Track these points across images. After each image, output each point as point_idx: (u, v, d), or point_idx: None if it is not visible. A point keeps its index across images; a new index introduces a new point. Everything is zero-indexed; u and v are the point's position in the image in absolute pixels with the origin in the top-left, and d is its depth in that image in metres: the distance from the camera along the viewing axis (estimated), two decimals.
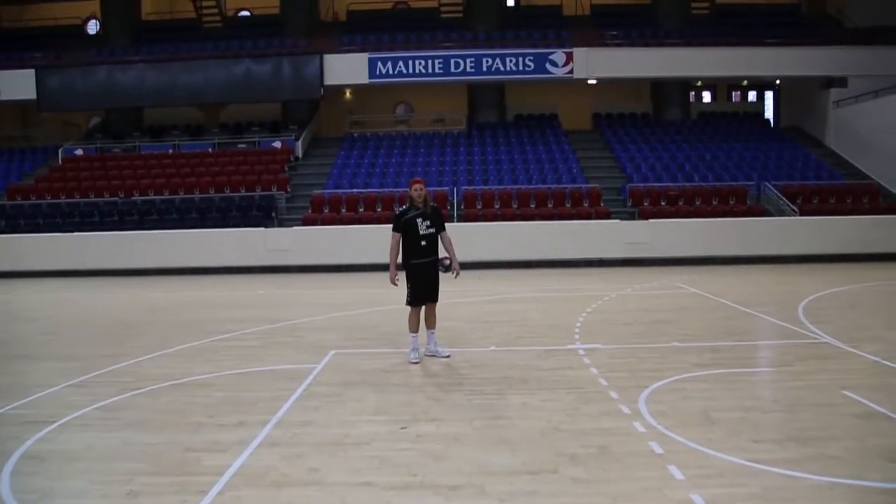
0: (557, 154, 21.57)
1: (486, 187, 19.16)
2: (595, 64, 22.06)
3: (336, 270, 16.95)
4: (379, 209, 18.46)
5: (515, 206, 18.28)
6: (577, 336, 8.18)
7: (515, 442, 4.73)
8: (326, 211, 18.60)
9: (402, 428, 5.04)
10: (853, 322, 9.00)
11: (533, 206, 18.27)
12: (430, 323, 7.23)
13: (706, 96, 30.36)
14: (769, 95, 30.30)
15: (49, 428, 5.17)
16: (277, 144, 22.94)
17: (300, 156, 22.73)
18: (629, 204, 18.70)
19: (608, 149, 22.65)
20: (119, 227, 18.48)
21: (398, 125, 26.46)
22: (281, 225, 18.74)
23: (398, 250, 7.04)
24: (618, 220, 17.40)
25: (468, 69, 22.18)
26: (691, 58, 22.21)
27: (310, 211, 18.74)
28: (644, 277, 14.20)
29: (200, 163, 21.89)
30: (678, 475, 4.12)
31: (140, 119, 25.94)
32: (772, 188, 18.71)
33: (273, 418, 5.28)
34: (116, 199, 20.21)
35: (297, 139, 22.96)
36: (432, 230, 6.98)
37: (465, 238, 16.84)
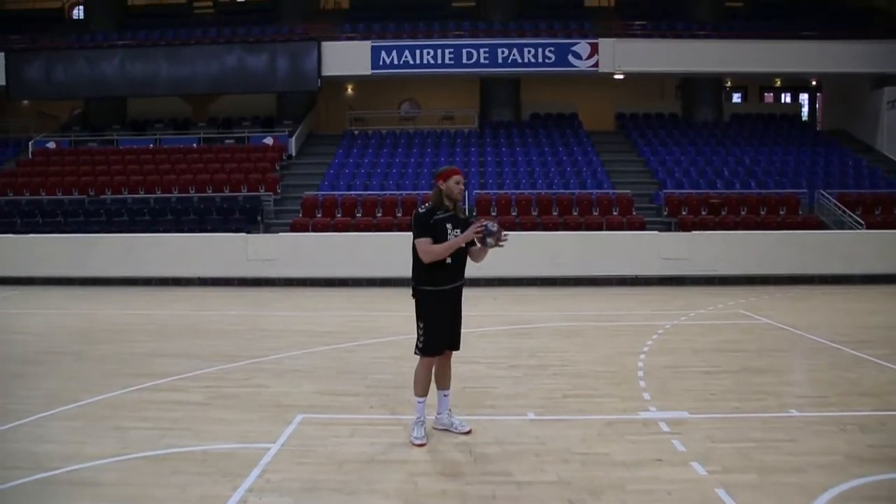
0: (580, 156, 19.26)
1: (502, 191, 16.84)
2: (622, 57, 19.80)
3: (327, 285, 14.59)
4: (379, 214, 16.14)
5: (535, 213, 15.95)
6: (646, 395, 5.82)
7: None
8: (319, 215, 16.27)
9: None
10: None
11: (556, 213, 15.94)
12: (444, 382, 4.86)
13: (736, 97, 28.09)
14: (804, 97, 28.05)
15: None
16: (269, 140, 20.66)
17: (293, 154, 20.44)
18: (665, 213, 16.35)
19: (635, 151, 20.35)
20: (84, 229, 16.19)
21: (403, 123, 24.16)
22: (267, 230, 16.42)
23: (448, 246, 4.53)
24: (655, 232, 15.06)
25: (482, 60, 19.92)
26: (727, 52, 19.95)
27: (300, 215, 16.42)
28: (693, 301, 11.83)
29: (183, 159, 19.62)
30: None
31: (123, 111, 23.70)
32: (828, 197, 16.35)
33: None
34: (84, 197, 17.95)
35: (290, 135, 20.67)
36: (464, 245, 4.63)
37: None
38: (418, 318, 4.64)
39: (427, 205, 4.68)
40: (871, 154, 20.27)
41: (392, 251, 14.38)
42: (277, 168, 19.21)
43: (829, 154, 19.81)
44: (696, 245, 14.63)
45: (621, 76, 20.54)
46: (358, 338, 8.52)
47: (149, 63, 20.95)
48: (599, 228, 15.18)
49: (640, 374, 6.55)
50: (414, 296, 4.68)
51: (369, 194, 16.89)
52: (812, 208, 16.58)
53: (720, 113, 23.25)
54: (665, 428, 4.96)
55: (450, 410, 4.91)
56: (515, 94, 22.77)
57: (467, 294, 4.87)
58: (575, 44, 20.01)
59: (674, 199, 16.41)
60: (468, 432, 4.81)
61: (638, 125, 22.28)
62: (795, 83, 26.85)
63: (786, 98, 27.91)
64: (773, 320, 9.64)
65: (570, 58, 19.98)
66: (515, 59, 20.04)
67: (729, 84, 26.78)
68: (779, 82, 27.27)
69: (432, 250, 4.49)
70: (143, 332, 9.17)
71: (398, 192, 16.88)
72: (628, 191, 16.76)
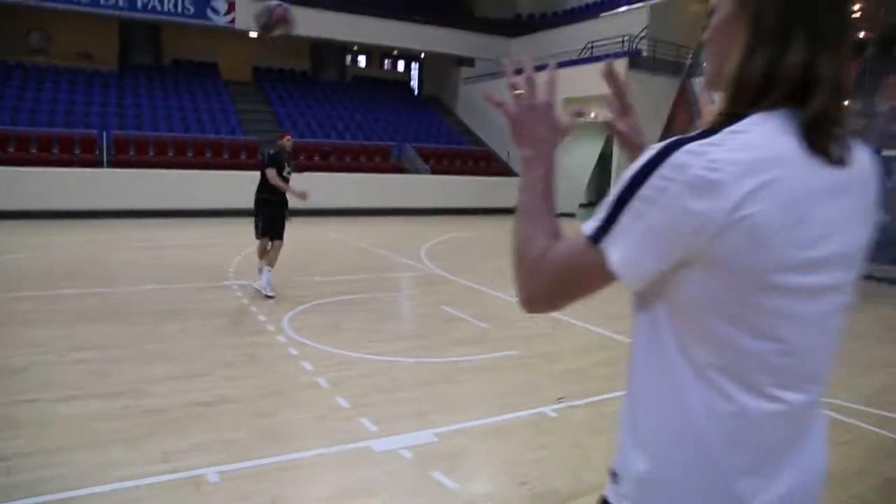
0: (216, 104, 21.55)
1: (140, 133, 18.44)
2: None
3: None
4: (11, 149, 16.56)
5: (171, 154, 18.00)
6: (231, 274, 9.01)
7: (174, 357, 5.47)
8: None
9: (62, 356, 5.42)
10: (459, 259, 11.35)
11: (190, 155, 18.19)
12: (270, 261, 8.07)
13: (362, 60, 32.55)
14: (415, 66, 33.72)
15: None
16: None
17: None
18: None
19: (268, 103, 23.28)
20: None
21: (33, 55, 23.46)
22: None
23: None
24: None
25: (121, 3, 20.72)
26: (349, 24, 23.70)
27: None
28: (296, 226, 15.35)
29: None
30: (308, 367, 5.33)
31: None
32: (410, 148, 21.37)
33: None
34: None
35: None
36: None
37: (116, 186, 16.29)
38: (256, 216, 7.98)
39: (273, 150, 8.15)
40: (452, 117, 26.21)
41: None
42: None
43: (423, 115, 25.14)
44: (308, 184, 18.16)
45: (256, 34, 23.09)
46: None
47: None
48: (228, 169, 17.90)
49: (232, 267, 9.70)
50: (256, 202, 7.95)
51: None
52: (399, 158, 21.46)
53: (343, 74, 27.35)
54: (235, 288, 8.17)
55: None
56: (156, 39, 23.87)
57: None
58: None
59: (296, 146, 19.80)
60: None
61: (272, 79, 25.20)
62: (409, 54, 32.20)
63: (400, 66, 33.24)
64: (344, 237, 13.61)
65: (209, 12, 21.86)
66: (155, 7, 21.21)
67: (356, 48, 31.05)
68: (396, 52, 32.40)
69: (275, 179, 7.83)
70: None
71: (32, 129, 17.29)
72: (255, 137, 19.72)
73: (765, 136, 0.97)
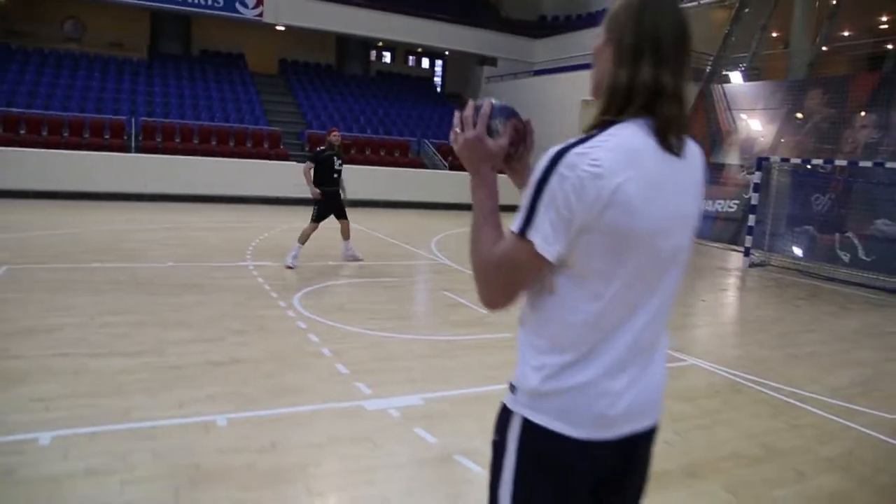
0: (242, 95, 22.12)
1: (167, 120, 19.05)
2: (285, 11, 22.86)
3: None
4: (45, 133, 17.26)
5: (196, 141, 18.59)
6: (248, 256, 9.50)
7: (192, 324, 5.96)
8: None
9: (91, 319, 5.93)
10: (466, 250, 11.68)
11: (214, 143, 18.76)
12: (345, 236, 9.62)
13: (386, 56, 33.04)
14: (439, 63, 34.15)
15: None
16: None
17: None
18: (307, 148, 20.21)
19: (292, 95, 23.82)
20: None
21: (67, 43, 24.25)
22: None
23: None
24: (294, 163, 18.83)
25: None
26: (375, 20, 24.14)
27: None
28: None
29: None
30: (314, 339, 5.78)
31: None
32: (429, 145, 21.79)
33: None
34: None
35: None
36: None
37: (143, 170, 16.89)
38: (315, 204, 8.97)
39: (322, 147, 9.08)
40: None
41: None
42: None
43: (444, 112, 25.52)
44: None
45: (283, 28, 23.68)
46: (37, 229, 10.80)
47: None
48: (250, 157, 18.45)
49: (251, 248, 10.20)
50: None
51: (33, 113, 17.72)
52: (419, 153, 21.90)
53: (367, 69, 27.83)
54: (251, 268, 8.67)
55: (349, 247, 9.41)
56: (186, 30, 24.52)
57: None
58: None
59: (315, 136, 20.34)
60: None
61: (297, 72, 25.74)
62: (433, 51, 32.62)
63: (424, 63, 33.68)
64: (360, 226, 14.06)
65: (237, 5, 22.40)
66: None
67: (381, 44, 31.55)
68: (420, 49, 32.83)
69: (306, 173, 8.96)
70: None
71: (64, 114, 18.00)
72: (278, 128, 20.26)
73: (629, 138, 1.40)
